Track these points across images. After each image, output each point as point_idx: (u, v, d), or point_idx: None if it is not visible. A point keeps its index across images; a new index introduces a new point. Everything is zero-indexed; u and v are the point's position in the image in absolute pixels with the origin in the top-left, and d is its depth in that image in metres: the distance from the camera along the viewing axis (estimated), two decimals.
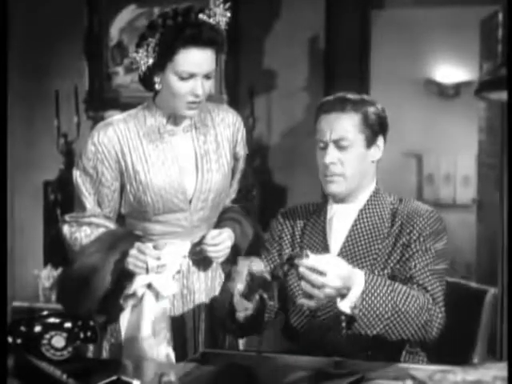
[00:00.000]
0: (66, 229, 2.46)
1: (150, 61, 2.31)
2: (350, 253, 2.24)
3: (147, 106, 2.44)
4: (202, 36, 2.27)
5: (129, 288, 2.40)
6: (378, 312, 2.04)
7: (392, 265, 2.21)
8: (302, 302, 2.06)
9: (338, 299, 2.05)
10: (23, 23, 4.88)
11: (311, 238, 2.31)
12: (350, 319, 2.05)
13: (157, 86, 2.35)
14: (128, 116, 2.44)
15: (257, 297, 2.14)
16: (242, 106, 4.54)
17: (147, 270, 2.33)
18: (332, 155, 2.23)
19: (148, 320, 2.40)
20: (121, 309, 2.43)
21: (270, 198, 2.67)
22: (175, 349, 2.41)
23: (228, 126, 2.50)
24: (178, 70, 2.29)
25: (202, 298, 2.49)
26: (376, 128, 2.26)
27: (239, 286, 2.11)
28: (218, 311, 2.33)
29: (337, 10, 4.74)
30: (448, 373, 1.76)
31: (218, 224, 2.48)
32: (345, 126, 2.23)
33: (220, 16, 2.32)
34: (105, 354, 2.48)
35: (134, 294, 2.41)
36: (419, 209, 2.27)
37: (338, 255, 2.23)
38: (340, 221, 2.29)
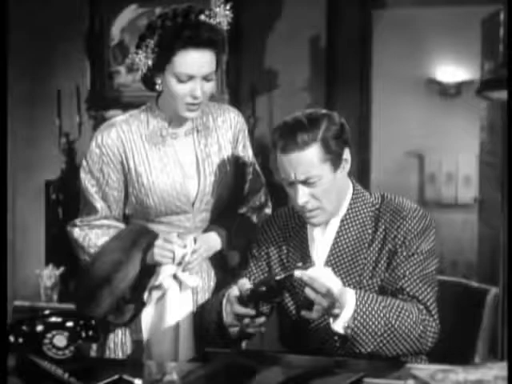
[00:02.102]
0: (76, 232, 2.45)
1: (150, 62, 2.30)
2: (335, 265, 2.19)
3: (149, 108, 2.44)
4: (200, 37, 2.25)
5: (155, 279, 2.39)
6: (370, 330, 2.03)
7: (380, 272, 2.17)
8: (304, 314, 2.06)
9: (331, 319, 2.05)
10: (25, 23, 4.88)
11: (296, 251, 2.27)
12: (344, 338, 2.05)
13: (158, 87, 2.35)
14: (130, 117, 2.43)
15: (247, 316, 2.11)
16: (243, 106, 4.54)
17: (174, 260, 2.33)
18: (303, 195, 2.13)
19: (172, 312, 2.40)
20: (141, 306, 2.42)
21: (272, 198, 2.65)
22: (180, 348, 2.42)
23: (230, 127, 2.49)
24: (177, 72, 2.27)
25: (204, 298, 2.49)
26: (338, 149, 2.13)
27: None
28: (204, 320, 2.30)
29: (338, 9, 4.74)
30: (450, 372, 1.76)
31: (208, 227, 2.48)
32: (308, 163, 2.10)
33: (221, 17, 2.31)
34: (126, 352, 2.47)
35: (160, 286, 2.40)
36: (402, 209, 2.18)
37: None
38: (322, 232, 2.23)
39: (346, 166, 2.19)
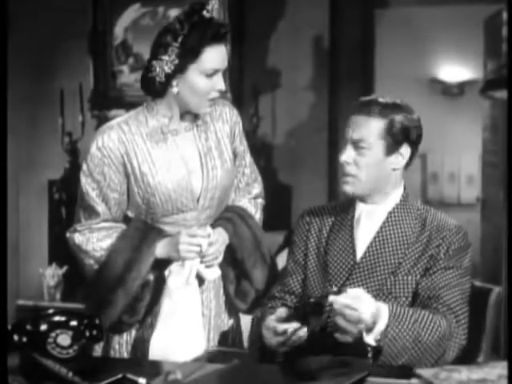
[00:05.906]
0: (78, 238, 2.43)
1: (172, 67, 2.32)
2: (375, 253, 2.25)
3: (147, 107, 2.44)
4: (220, 32, 2.32)
5: (178, 277, 2.39)
6: (401, 344, 2.08)
7: (417, 273, 2.22)
8: (338, 337, 2.08)
9: (364, 333, 2.07)
10: (28, 22, 4.89)
11: (337, 236, 2.31)
12: (376, 351, 2.08)
13: (174, 90, 2.35)
14: (129, 118, 2.44)
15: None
16: (246, 105, 4.55)
17: (201, 252, 2.34)
18: (348, 154, 2.25)
19: (182, 311, 2.39)
20: (154, 304, 2.43)
21: (274, 197, 2.66)
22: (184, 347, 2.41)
23: (226, 121, 2.51)
24: (205, 68, 2.32)
25: (210, 296, 2.49)
26: (399, 137, 2.25)
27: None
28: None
29: (341, 9, 4.75)
30: (453, 371, 1.77)
31: (214, 223, 2.48)
32: (367, 129, 2.23)
33: (217, 10, 2.36)
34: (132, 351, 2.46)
35: (187, 282, 2.39)
36: (448, 222, 2.29)
37: (364, 254, 2.25)
38: (368, 220, 2.30)
39: (399, 160, 2.29)
